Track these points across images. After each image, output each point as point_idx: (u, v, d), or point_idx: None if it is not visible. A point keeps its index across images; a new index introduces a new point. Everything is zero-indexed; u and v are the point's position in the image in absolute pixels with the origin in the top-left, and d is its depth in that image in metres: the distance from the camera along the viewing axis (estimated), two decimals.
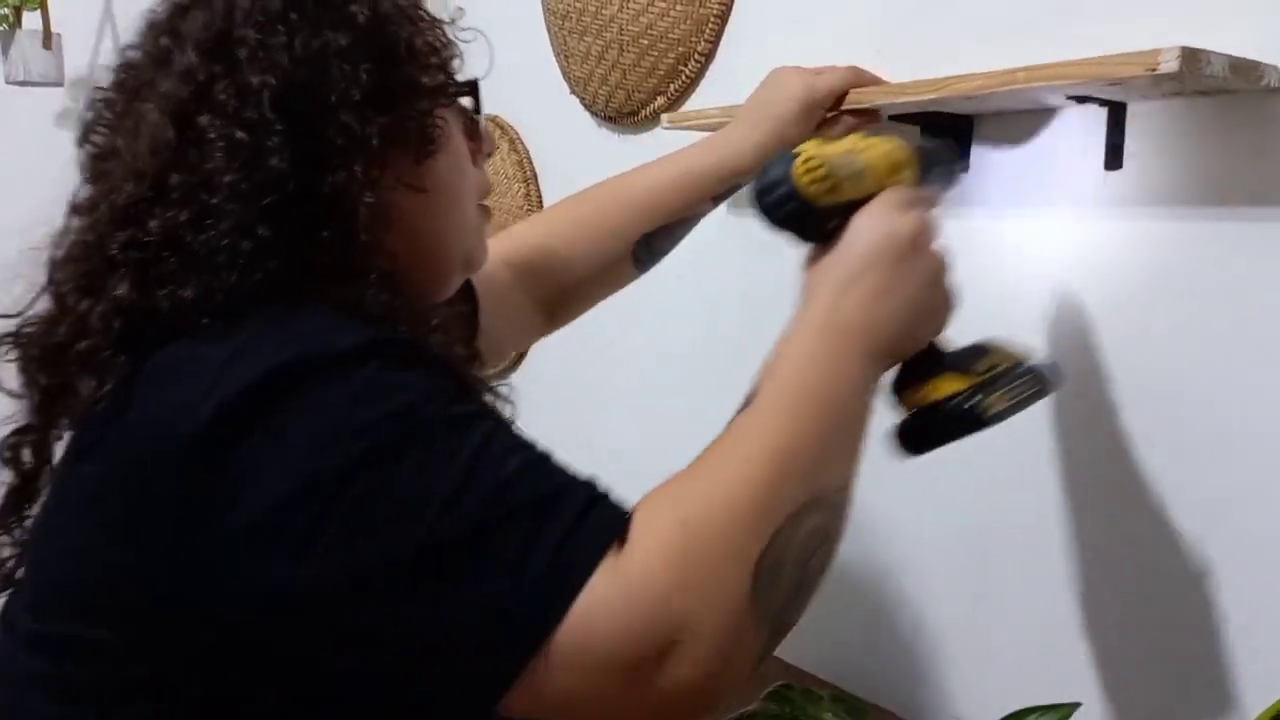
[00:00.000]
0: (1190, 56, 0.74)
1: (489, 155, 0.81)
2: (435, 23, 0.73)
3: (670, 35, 1.32)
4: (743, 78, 1.24)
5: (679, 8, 1.30)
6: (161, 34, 0.68)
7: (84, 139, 0.70)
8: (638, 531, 0.56)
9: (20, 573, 0.69)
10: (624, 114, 1.43)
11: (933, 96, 0.90)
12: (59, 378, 0.64)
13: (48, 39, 1.92)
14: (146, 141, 0.64)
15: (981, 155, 1.01)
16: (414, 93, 0.69)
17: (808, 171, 0.70)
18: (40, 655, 0.63)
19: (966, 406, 0.73)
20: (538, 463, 0.58)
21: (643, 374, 1.44)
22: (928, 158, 0.80)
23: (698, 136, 1.21)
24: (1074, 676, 0.93)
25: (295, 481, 0.54)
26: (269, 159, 0.62)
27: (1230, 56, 0.76)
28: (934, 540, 1.06)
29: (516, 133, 1.69)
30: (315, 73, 0.65)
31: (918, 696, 1.08)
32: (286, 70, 0.64)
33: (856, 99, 0.99)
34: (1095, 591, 0.92)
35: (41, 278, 0.67)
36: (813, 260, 0.72)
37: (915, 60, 1.05)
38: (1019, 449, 0.98)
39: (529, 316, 1.03)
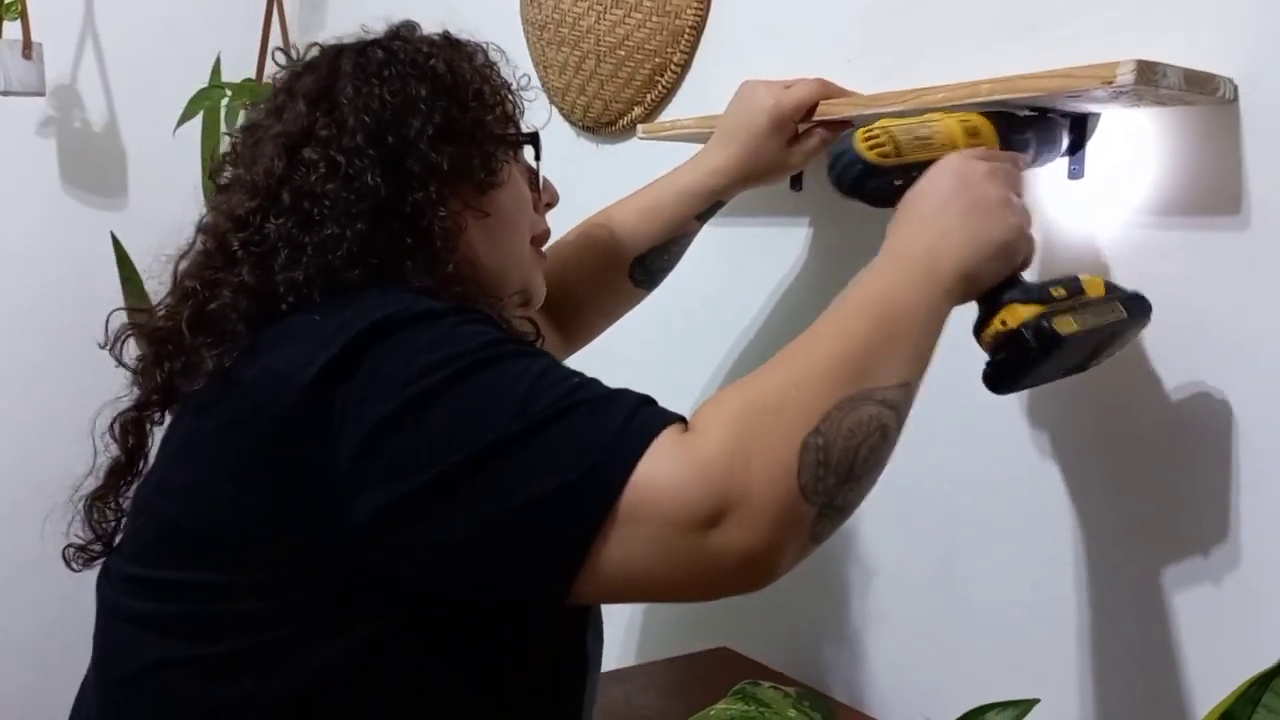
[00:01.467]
0: (1146, 69, 0.76)
1: (550, 206, 0.93)
2: (504, 83, 0.87)
3: (646, 46, 1.34)
4: (718, 88, 1.26)
5: (655, 19, 1.32)
6: (280, 93, 0.82)
7: (213, 175, 0.84)
8: (704, 412, 0.64)
9: (119, 537, 0.79)
10: (602, 123, 1.45)
11: (900, 108, 0.91)
12: (183, 354, 0.74)
13: (28, 48, 1.92)
14: (261, 169, 0.77)
15: None
16: (479, 131, 0.81)
17: (867, 139, 0.80)
18: (147, 598, 0.73)
19: (1035, 328, 0.74)
20: (594, 380, 0.67)
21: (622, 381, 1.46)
22: (1008, 127, 0.84)
23: (674, 146, 1.23)
24: (1040, 674, 0.95)
25: (390, 406, 0.63)
26: (363, 176, 0.75)
27: (1186, 69, 0.78)
28: (902, 540, 1.08)
29: None
30: (400, 114, 0.78)
31: (887, 694, 1.09)
32: (376, 112, 0.77)
33: (826, 111, 1.01)
34: (1057, 592, 0.94)
35: (167, 282, 0.80)
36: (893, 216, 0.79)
37: (886, 71, 1.07)
38: (984, 453, 1.00)
39: (551, 340, 1.08)
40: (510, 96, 0.86)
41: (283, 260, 0.73)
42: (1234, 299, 0.82)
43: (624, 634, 1.44)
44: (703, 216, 1.10)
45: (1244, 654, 0.81)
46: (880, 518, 1.10)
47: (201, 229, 0.80)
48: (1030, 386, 0.81)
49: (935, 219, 0.75)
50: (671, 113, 1.35)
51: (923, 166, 0.79)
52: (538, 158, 0.90)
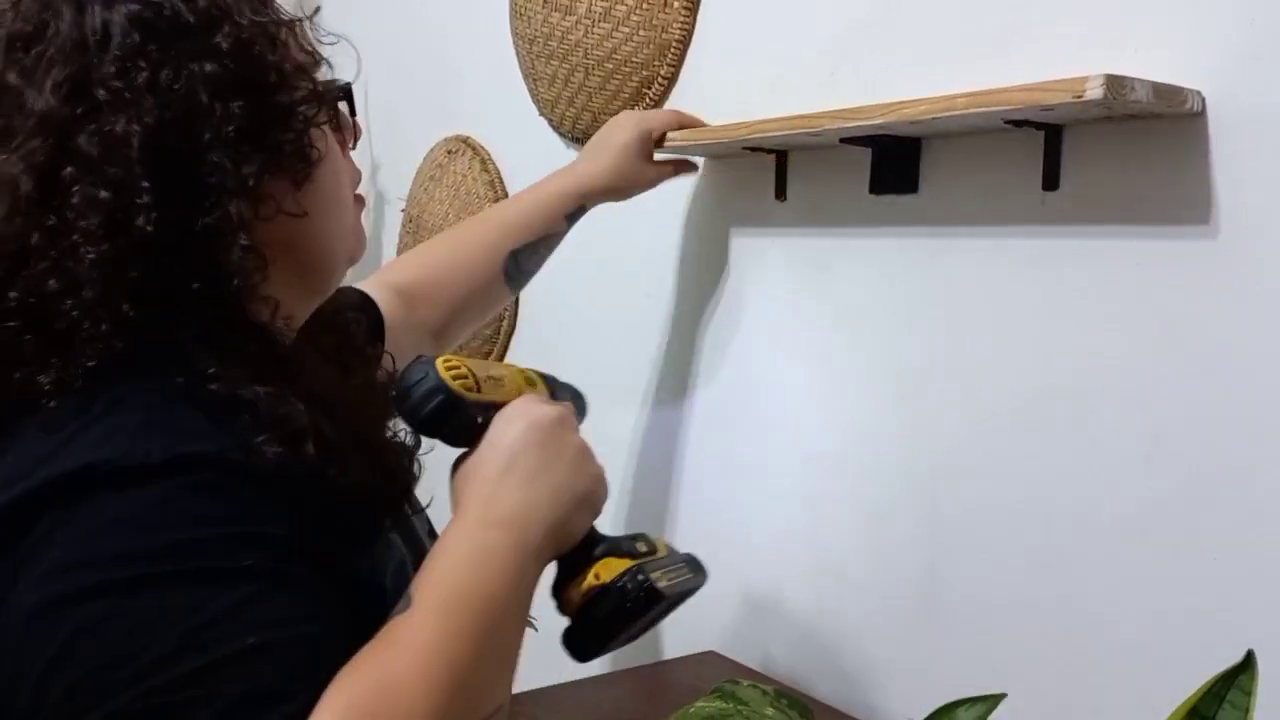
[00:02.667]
0: (1115, 83, 0.78)
1: (355, 142, 0.77)
2: (296, 29, 0.69)
3: (634, 59, 1.36)
4: (704, 101, 1.29)
5: (642, 33, 1.34)
6: (9, 69, 0.61)
7: None
8: None
9: None
10: (591, 135, 1.46)
11: (879, 120, 0.93)
12: None
13: None
14: (8, 201, 0.60)
15: (928, 176, 1.05)
16: (289, 118, 0.66)
17: (450, 369, 0.72)
18: None
19: (636, 581, 0.72)
20: (262, 652, 0.53)
21: (615, 382, 1.47)
22: (555, 383, 0.84)
23: (659, 157, 1.25)
24: (1018, 673, 0.97)
25: (43, 595, 0.53)
26: (134, 220, 0.59)
27: (1154, 82, 0.80)
28: (883, 543, 1.09)
29: (488, 153, 1.72)
30: (184, 111, 0.61)
31: (871, 695, 1.11)
32: (153, 111, 0.60)
33: (674, 138, 1.18)
34: (1037, 592, 0.96)
35: None
36: (461, 461, 0.72)
37: (867, 84, 1.09)
38: (964, 457, 1.02)
39: (420, 338, 1.06)
40: (309, 52, 0.70)
41: (29, 350, 0.58)
42: (1204, 306, 0.84)
43: None
44: (570, 218, 1.20)
45: (1211, 650, 0.82)
46: (861, 522, 1.12)
47: None
48: (612, 649, 0.75)
49: (519, 474, 0.69)
50: None
51: (496, 408, 0.73)
52: (353, 112, 0.75)
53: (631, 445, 1.44)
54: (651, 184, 1.23)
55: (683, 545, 0.84)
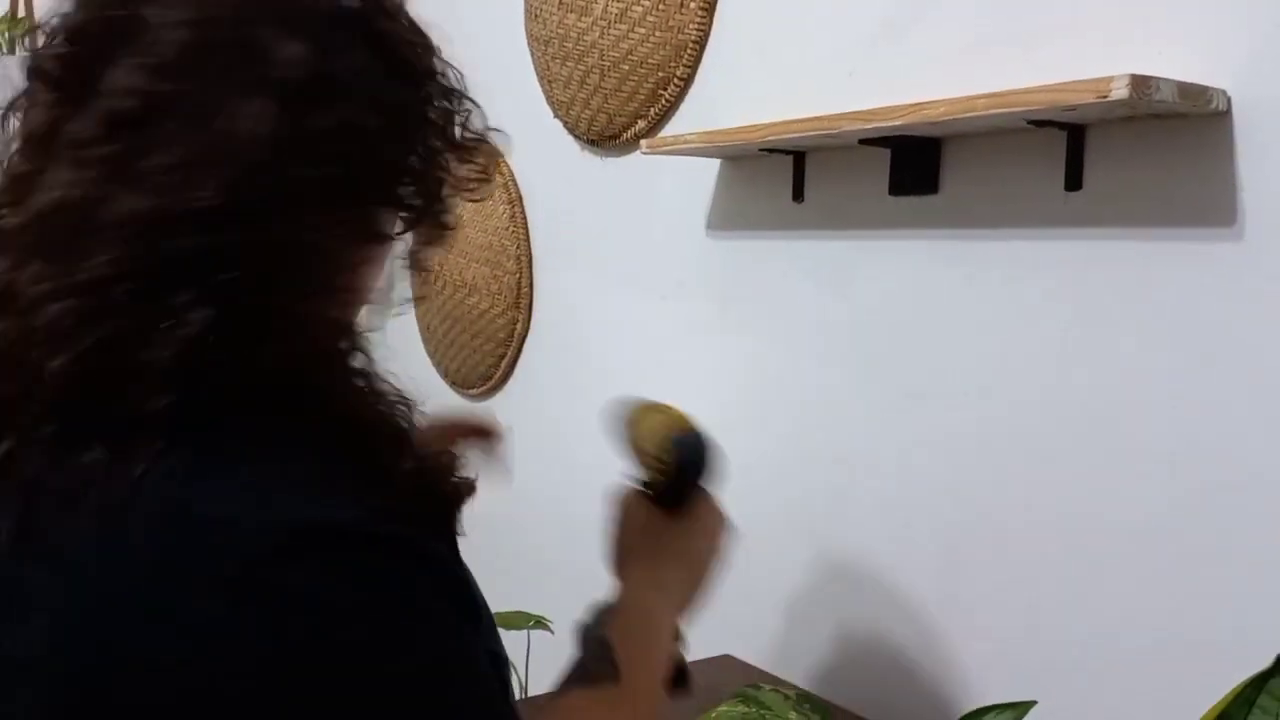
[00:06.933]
0: (1140, 83, 0.77)
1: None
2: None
3: (650, 60, 1.35)
4: (721, 102, 1.28)
5: (658, 34, 1.34)
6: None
7: None
8: None
9: None
10: (606, 137, 1.46)
11: (899, 122, 0.93)
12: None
13: None
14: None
15: (948, 177, 1.04)
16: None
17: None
18: None
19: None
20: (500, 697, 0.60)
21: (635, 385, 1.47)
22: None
23: (676, 160, 1.24)
24: (1038, 677, 0.96)
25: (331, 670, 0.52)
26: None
27: (1178, 82, 0.80)
28: (900, 546, 1.09)
29: (502, 156, 1.72)
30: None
31: (885, 698, 1.10)
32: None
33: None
34: (1055, 596, 0.95)
35: None
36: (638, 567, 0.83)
37: (885, 85, 1.09)
38: (982, 459, 1.01)
39: None
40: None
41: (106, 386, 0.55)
42: (1228, 308, 0.83)
43: None
44: None
45: (1237, 656, 0.82)
46: (878, 525, 1.11)
47: None
48: None
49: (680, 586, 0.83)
50: (675, 126, 1.37)
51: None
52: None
53: None
54: None
55: None
